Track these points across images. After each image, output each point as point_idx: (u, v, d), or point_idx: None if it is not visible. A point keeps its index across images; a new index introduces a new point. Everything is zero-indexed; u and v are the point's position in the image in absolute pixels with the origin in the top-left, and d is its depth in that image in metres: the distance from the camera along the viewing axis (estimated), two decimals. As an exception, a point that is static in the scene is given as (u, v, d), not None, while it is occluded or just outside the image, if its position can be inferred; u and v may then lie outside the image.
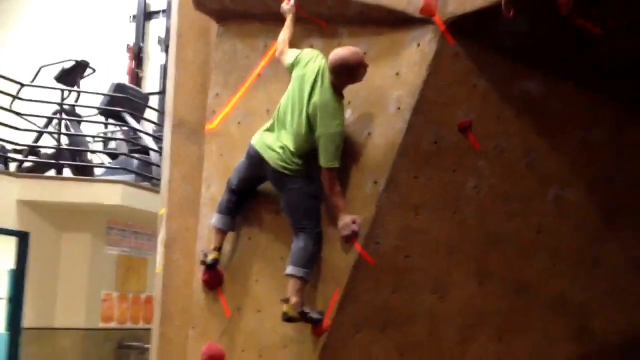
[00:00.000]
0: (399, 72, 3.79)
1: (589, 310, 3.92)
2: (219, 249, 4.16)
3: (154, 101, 11.43)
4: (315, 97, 3.74)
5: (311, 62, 3.85)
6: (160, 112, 10.44)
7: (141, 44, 12.66)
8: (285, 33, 4.09)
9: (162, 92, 11.57)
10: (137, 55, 12.58)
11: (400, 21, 3.75)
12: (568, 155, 3.82)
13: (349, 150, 3.89)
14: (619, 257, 3.84)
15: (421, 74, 3.70)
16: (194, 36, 4.92)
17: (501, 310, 3.91)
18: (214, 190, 4.46)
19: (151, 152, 9.07)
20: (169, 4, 10.82)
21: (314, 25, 4.12)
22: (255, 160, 3.91)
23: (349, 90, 3.95)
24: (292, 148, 3.78)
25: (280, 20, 4.18)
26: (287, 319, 3.75)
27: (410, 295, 3.84)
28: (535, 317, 3.91)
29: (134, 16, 12.81)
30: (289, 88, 3.89)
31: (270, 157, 3.81)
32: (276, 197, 4.15)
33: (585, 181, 3.84)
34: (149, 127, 10.50)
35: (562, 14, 3.29)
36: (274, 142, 3.83)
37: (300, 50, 3.98)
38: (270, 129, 3.91)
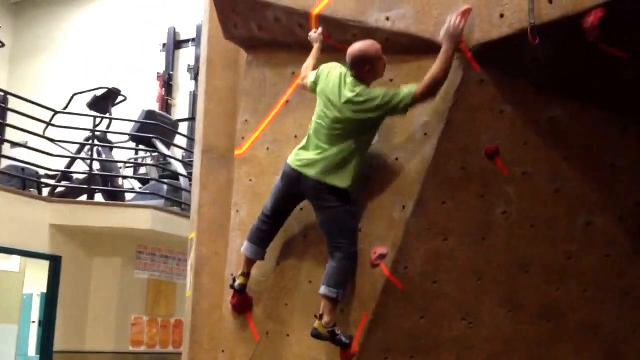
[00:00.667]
0: (426, 99, 3.82)
1: (620, 339, 3.85)
2: (247, 275, 4.19)
3: (183, 128, 11.59)
4: (345, 96, 3.73)
5: (331, 72, 3.90)
6: (190, 138, 10.59)
7: (171, 72, 12.90)
8: (310, 61, 4.17)
9: (191, 119, 11.75)
10: (167, 83, 12.81)
11: (427, 49, 3.79)
12: (596, 181, 3.80)
13: (377, 175, 3.92)
14: (651, 285, 3.80)
15: (448, 100, 3.73)
16: (224, 64, 5.01)
17: (531, 338, 3.86)
18: (243, 215, 4.51)
19: (181, 178, 9.19)
20: (199, 33, 11.03)
21: (342, 53, 4.17)
22: (292, 180, 3.87)
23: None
24: (333, 160, 3.74)
25: (307, 49, 4.25)
26: (316, 335, 3.74)
27: (439, 322, 3.82)
28: (565, 345, 3.86)
29: (164, 45, 13.08)
30: (317, 104, 3.91)
31: (312, 172, 3.78)
32: (304, 221, 4.20)
33: (615, 207, 3.80)
34: (179, 153, 10.64)
35: (588, 40, 3.31)
36: (313, 157, 3.80)
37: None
38: (305, 148, 3.89)
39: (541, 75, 3.68)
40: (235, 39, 4.73)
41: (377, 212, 3.88)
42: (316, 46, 4.18)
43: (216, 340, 4.45)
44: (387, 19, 3.90)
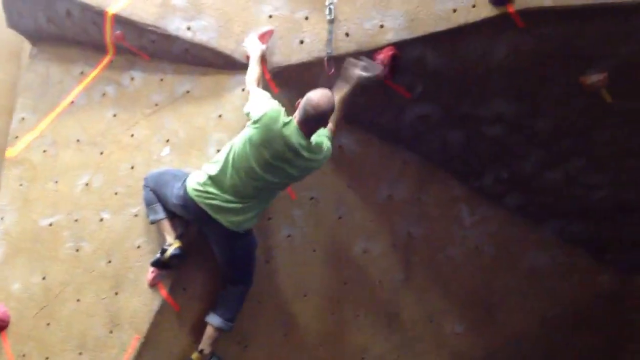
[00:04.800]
0: (222, 115, 3.77)
1: (387, 361, 4.06)
2: (180, 236, 3.64)
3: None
4: (304, 157, 3.31)
5: (278, 130, 3.29)
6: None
7: (-55, 61, 11.52)
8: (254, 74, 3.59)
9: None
10: (-61, 73, 11.41)
11: (226, 64, 3.75)
12: (374, 210, 4.00)
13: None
14: (415, 311, 4.04)
15: (243, 118, 3.69)
16: (5, 56, 4.61)
17: (304, 362, 3.91)
18: (8, 224, 4.09)
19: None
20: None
21: (136, 57, 3.98)
22: (200, 217, 3.48)
23: (169, 129, 3.84)
24: (253, 212, 3.45)
25: (100, 48, 4.01)
26: None
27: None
28: (338, 368, 3.96)
29: (-59, 30, 11.67)
30: (250, 154, 3.30)
31: (226, 221, 3.42)
32: (77, 234, 3.90)
33: (389, 236, 4.03)
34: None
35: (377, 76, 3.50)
36: (231, 205, 3.39)
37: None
38: (217, 184, 3.39)
39: (335, 105, 3.79)
40: (19, 29, 4.39)
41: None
42: (255, 57, 3.64)
43: (-37, 363, 3.90)
44: (189, 28, 3.80)
